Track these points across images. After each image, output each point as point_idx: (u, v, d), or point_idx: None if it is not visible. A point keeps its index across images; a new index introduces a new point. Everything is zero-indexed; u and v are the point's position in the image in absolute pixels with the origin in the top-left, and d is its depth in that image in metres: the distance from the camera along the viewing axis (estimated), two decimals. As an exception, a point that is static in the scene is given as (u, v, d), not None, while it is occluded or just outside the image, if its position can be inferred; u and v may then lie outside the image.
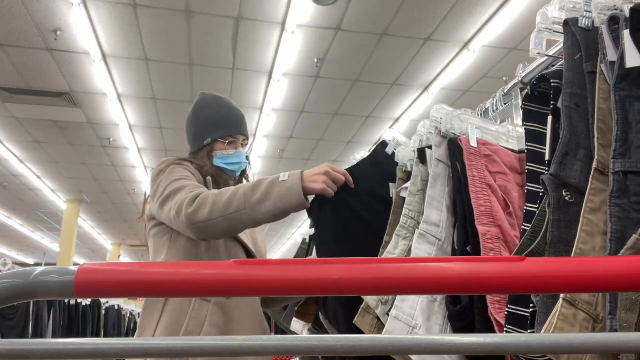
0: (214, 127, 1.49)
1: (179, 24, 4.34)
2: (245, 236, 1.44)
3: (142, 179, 8.43)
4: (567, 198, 0.60)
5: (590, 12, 0.64)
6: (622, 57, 0.57)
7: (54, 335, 4.08)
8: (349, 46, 4.71)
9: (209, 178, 1.42)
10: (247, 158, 1.56)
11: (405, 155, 1.35)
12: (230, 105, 1.56)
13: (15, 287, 0.45)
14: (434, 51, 4.82)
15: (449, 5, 4.15)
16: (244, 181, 1.60)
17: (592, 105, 0.61)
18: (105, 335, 5.53)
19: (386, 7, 4.17)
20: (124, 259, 14.92)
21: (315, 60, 4.91)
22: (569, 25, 0.70)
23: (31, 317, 3.64)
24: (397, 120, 6.28)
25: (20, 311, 3.64)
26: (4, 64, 4.91)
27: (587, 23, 0.65)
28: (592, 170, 0.57)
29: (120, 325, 6.31)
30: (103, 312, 5.57)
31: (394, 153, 1.40)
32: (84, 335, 4.85)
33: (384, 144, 1.43)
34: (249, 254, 1.44)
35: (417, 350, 0.47)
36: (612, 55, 0.59)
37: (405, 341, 0.47)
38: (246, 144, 1.55)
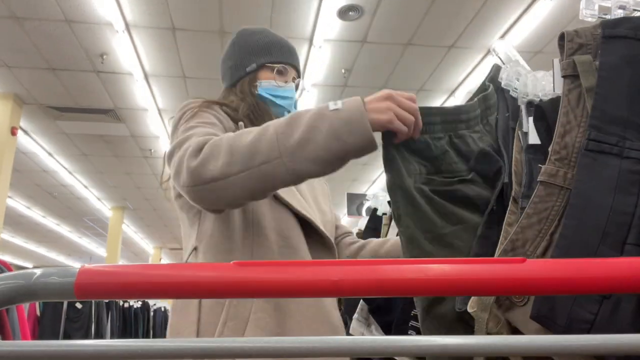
0: (260, 51, 1.16)
1: (213, 43, 4.62)
2: (300, 203, 1.05)
3: (181, 186, 8.82)
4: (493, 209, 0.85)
5: (516, 90, 0.87)
6: (527, 134, 0.81)
7: (112, 336, 4.46)
8: (374, 57, 4.88)
9: (240, 123, 1.04)
10: (295, 105, 1.20)
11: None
12: (280, 36, 1.23)
13: (17, 288, 0.45)
14: (458, 57, 4.93)
15: (471, 14, 4.27)
16: None
17: (511, 151, 0.85)
18: (154, 335, 5.90)
19: (410, 19, 4.32)
20: (165, 261, 15.49)
21: (343, 71, 5.11)
22: (503, 91, 0.93)
23: (93, 319, 4.04)
24: (424, 123, 6.40)
25: (84, 314, 4.05)
26: (55, 86, 5.32)
27: (515, 95, 0.88)
28: (510, 198, 0.81)
29: (166, 325, 6.68)
30: (152, 314, 5.96)
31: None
32: (136, 335, 5.23)
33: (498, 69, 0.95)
34: (310, 228, 1.04)
35: (417, 352, 0.46)
36: (525, 127, 0.83)
37: (405, 342, 0.47)
38: (297, 85, 1.20)
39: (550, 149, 0.77)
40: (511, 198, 0.80)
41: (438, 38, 4.60)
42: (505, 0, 4.08)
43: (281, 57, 1.17)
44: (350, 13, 4.20)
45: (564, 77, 0.79)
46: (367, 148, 0.81)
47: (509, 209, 0.79)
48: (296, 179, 0.84)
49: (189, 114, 1.00)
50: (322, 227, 1.06)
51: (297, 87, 1.20)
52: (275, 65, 1.16)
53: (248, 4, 4.09)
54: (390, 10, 4.18)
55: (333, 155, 0.80)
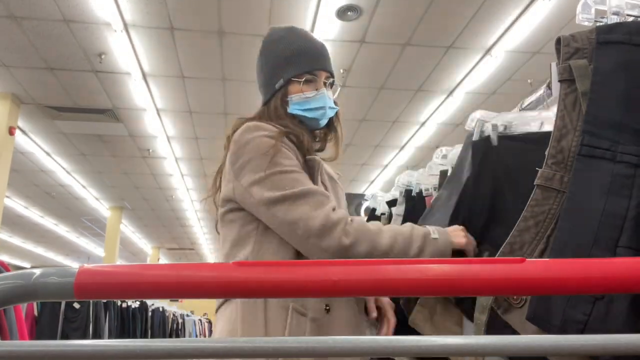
0: (285, 63, 1.17)
1: (212, 44, 4.62)
2: None
3: (179, 185, 8.83)
4: None
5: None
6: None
7: (110, 336, 4.46)
8: (373, 57, 4.89)
9: (317, 159, 1.12)
10: (335, 103, 1.21)
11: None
12: (307, 35, 1.23)
13: (16, 288, 0.45)
14: (457, 58, 4.94)
15: (469, 14, 4.27)
16: (336, 133, 1.25)
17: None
18: (152, 335, 5.91)
19: (408, 19, 4.33)
20: (163, 261, 15.50)
21: (341, 70, 5.11)
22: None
23: (91, 319, 4.04)
24: (423, 124, 6.41)
25: (82, 314, 4.06)
26: (54, 85, 5.32)
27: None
28: None
29: (164, 325, 6.72)
30: (150, 314, 5.97)
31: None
32: (134, 335, 5.23)
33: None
34: None
35: (417, 352, 0.46)
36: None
37: (405, 342, 0.47)
38: (331, 83, 1.21)
39: (546, 152, 0.78)
40: None
41: (436, 38, 4.61)
42: (504, 0, 4.08)
43: (308, 65, 1.17)
44: (349, 13, 4.20)
45: (560, 81, 0.79)
46: None
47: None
48: None
49: (270, 145, 1.06)
50: None
51: (331, 85, 1.21)
52: (303, 76, 1.16)
53: (246, 4, 4.09)
54: (389, 11, 4.19)
55: None
